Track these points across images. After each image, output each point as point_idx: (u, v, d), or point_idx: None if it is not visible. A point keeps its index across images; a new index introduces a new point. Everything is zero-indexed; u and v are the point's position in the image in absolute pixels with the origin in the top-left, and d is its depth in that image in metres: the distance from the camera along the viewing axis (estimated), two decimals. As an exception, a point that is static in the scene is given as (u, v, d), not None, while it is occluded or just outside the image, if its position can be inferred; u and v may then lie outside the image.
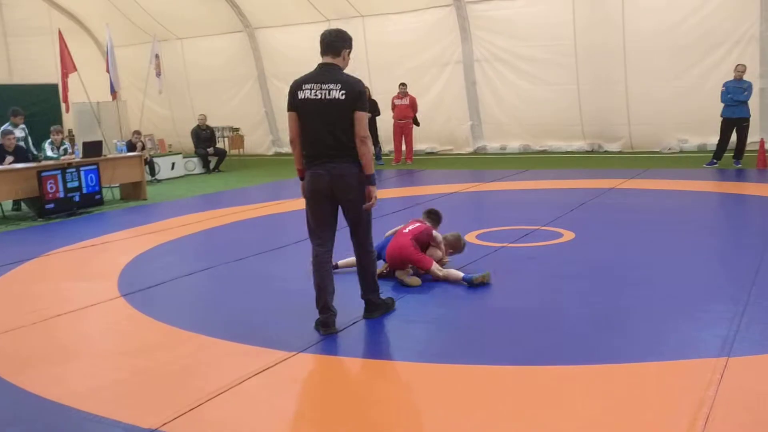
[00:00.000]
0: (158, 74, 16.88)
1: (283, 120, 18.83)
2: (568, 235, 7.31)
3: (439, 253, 6.10)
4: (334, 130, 4.67)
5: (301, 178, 4.90)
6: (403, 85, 15.27)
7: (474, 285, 5.54)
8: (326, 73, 4.73)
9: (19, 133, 11.93)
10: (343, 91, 4.64)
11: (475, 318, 5.06)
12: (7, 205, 11.32)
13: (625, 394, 3.61)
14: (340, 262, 5.98)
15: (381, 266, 5.92)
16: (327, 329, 4.72)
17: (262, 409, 3.68)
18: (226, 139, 17.29)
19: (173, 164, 15.78)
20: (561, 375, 3.89)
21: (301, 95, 4.72)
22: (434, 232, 6.14)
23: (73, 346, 4.91)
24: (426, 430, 3.45)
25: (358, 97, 4.66)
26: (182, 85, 19.91)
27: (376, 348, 4.66)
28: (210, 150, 16.33)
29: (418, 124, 15.54)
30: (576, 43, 14.77)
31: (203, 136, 16.35)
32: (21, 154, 11.03)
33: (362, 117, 4.68)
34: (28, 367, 4.45)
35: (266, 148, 19.56)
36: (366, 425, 3.47)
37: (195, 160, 16.33)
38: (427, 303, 5.37)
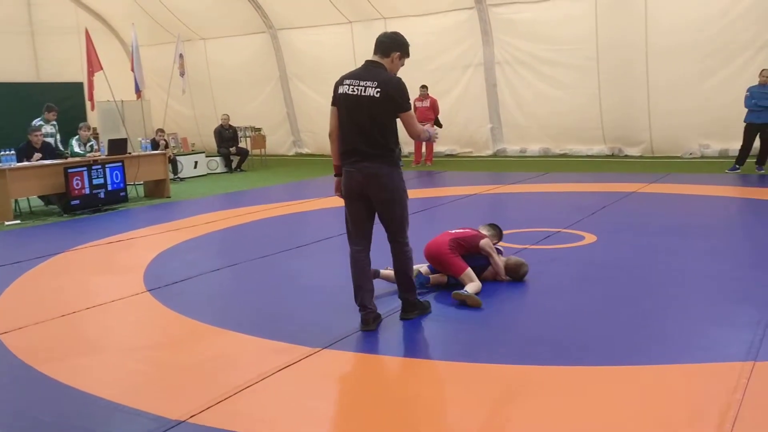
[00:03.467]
0: (182, 74, 17.08)
1: (304, 121, 19.12)
2: (590, 238, 7.31)
3: (501, 269, 5.81)
4: (367, 128, 4.66)
5: (336, 175, 4.92)
6: (424, 87, 15.23)
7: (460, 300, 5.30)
8: (367, 70, 4.74)
9: (50, 129, 12.13)
10: (378, 89, 4.61)
11: (499, 318, 5.07)
12: (34, 200, 11.46)
13: (651, 396, 3.61)
14: (381, 272, 5.64)
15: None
16: (365, 326, 4.79)
17: (288, 403, 3.73)
18: (248, 139, 17.41)
19: (196, 163, 15.92)
20: (587, 375, 3.91)
21: (341, 90, 4.74)
22: (484, 242, 5.77)
23: (100, 339, 4.98)
24: (447, 427, 3.48)
25: (392, 97, 4.62)
26: (205, 85, 20.11)
27: (400, 345, 4.67)
28: (232, 149, 16.47)
29: (440, 126, 15.53)
30: (598, 47, 14.72)
31: (226, 136, 16.49)
32: (48, 151, 11.19)
33: (407, 117, 4.71)
34: (56, 358, 4.53)
35: (287, 149, 19.69)
36: (388, 421, 3.51)
37: (217, 159, 16.48)
38: (452, 302, 5.38)
